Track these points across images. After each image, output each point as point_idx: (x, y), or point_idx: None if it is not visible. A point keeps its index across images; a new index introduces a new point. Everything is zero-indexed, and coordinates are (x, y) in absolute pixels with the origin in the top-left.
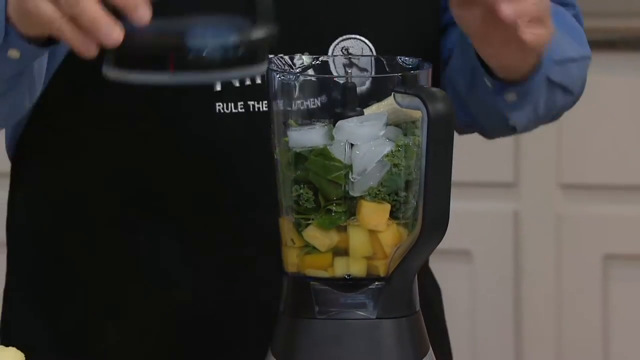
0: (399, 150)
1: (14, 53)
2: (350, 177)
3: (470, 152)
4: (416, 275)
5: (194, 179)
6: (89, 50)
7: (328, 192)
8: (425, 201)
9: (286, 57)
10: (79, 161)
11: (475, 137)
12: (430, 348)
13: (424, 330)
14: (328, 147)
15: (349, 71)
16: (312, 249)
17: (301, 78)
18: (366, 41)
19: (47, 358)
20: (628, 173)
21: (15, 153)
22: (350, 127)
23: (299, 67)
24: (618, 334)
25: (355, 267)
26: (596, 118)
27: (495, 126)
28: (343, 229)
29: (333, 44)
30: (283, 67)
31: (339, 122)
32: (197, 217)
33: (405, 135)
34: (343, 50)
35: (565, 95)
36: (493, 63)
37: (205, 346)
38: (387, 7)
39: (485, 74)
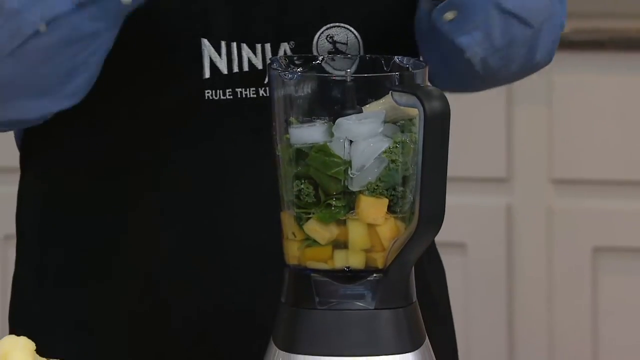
0: (396, 146)
1: None
2: (349, 172)
3: (465, 148)
4: (413, 268)
5: (184, 162)
6: None
7: (328, 187)
8: (422, 196)
9: (288, 57)
10: (78, 145)
11: (470, 135)
12: (427, 338)
13: (421, 321)
14: (328, 143)
15: (348, 71)
16: (312, 242)
17: (302, 77)
18: (351, 29)
19: (50, 343)
20: (617, 168)
21: (23, 141)
22: (349, 125)
23: (300, 66)
24: (607, 323)
25: (354, 260)
26: (586, 115)
27: (457, 63)
28: (342, 223)
29: (318, 33)
30: (285, 67)
31: (339, 120)
32: (187, 197)
33: (402, 132)
34: (328, 39)
35: (523, 28)
36: None
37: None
38: None
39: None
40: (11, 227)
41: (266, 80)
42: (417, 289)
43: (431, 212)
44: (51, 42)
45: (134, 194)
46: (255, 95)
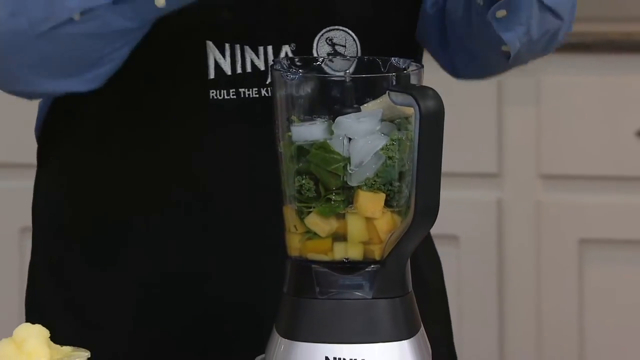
0: (393, 144)
1: (160, 1)
2: (348, 168)
3: (458, 145)
4: (409, 259)
5: (188, 158)
6: None
7: (328, 183)
8: (417, 191)
9: (289, 59)
10: (91, 139)
11: (463, 133)
12: (422, 326)
13: (416, 309)
14: (328, 141)
15: (347, 71)
16: (313, 235)
17: (303, 77)
18: (349, 31)
19: (63, 331)
20: (602, 164)
21: (41, 134)
22: (348, 123)
23: (301, 67)
24: (592, 311)
25: (352, 252)
26: (572, 114)
27: (491, 53)
28: (342, 216)
29: (318, 35)
30: (287, 68)
31: (338, 118)
32: (191, 193)
33: (398, 130)
34: (327, 41)
35: (555, 20)
36: None
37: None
38: None
39: None
40: (27, 220)
41: (268, 81)
42: (412, 279)
43: (426, 206)
44: (82, 32)
45: (142, 190)
46: (257, 95)
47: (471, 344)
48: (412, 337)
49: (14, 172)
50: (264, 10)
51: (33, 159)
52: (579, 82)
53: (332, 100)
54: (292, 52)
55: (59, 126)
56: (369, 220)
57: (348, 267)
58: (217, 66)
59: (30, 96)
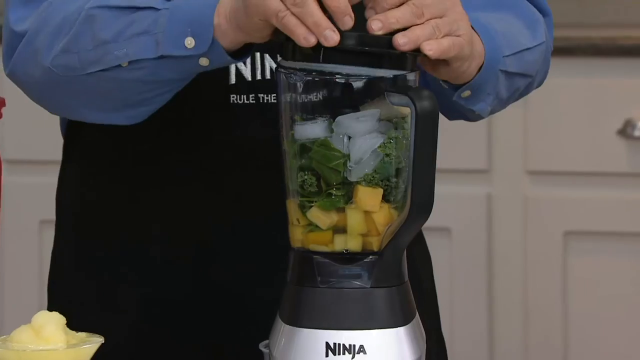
0: (390, 142)
1: (204, 61)
2: (348, 165)
3: (451, 143)
4: (405, 250)
5: (208, 156)
6: (308, 42)
7: (329, 178)
8: (413, 186)
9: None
10: (115, 137)
11: (456, 132)
12: (417, 313)
13: (412, 298)
14: (329, 139)
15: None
16: (315, 227)
17: (305, 79)
18: None
19: (84, 311)
20: (585, 161)
21: (67, 131)
22: (348, 122)
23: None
24: (576, 299)
25: (352, 243)
26: (558, 114)
27: (467, 114)
28: (342, 210)
29: None
30: (290, 70)
31: (338, 118)
32: (210, 189)
33: (395, 129)
34: None
35: (525, 79)
36: (437, 76)
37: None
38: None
39: (438, 80)
40: (46, 213)
41: None
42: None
43: (422, 201)
44: (128, 77)
45: (162, 186)
46: (275, 101)
47: (462, 329)
48: (408, 324)
49: (34, 168)
50: None
51: (52, 156)
52: (564, 84)
53: (332, 101)
54: None
55: (85, 125)
56: (367, 213)
57: (347, 257)
58: (238, 72)
59: (65, 117)
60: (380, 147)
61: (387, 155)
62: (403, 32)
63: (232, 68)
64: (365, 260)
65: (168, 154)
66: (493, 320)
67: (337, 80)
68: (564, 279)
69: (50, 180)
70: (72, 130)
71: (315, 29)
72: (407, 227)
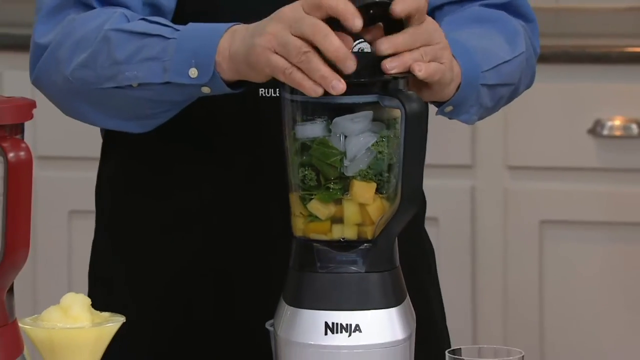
0: (382, 140)
1: (206, 89)
2: (344, 161)
3: (438, 141)
4: (396, 238)
5: (239, 146)
6: (317, 94)
7: (327, 173)
8: (403, 180)
9: None
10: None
11: (443, 130)
12: (407, 295)
13: (403, 281)
14: (327, 138)
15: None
16: (314, 218)
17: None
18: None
19: (120, 290)
20: (559, 157)
21: (105, 132)
22: (344, 123)
23: None
24: (550, 282)
25: (348, 232)
26: (535, 115)
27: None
28: (339, 202)
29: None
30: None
31: (335, 119)
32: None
33: (387, 128)
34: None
35: (507, 87)
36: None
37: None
38: None
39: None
40: (75, 204)
41: None
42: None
43: (411, 193)
44: (138, 96)
45: (192, 179)
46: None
47: (448, 308)
48: (399, 305)
49: (63, 164)
50: None
51: (80, 153)
52: (540, 88)
53: (330, 103)
54: None
55: None
56: (362, 205)
57: (344, 245)
58: None
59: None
60: (373, 145)
61: (380, 152)
62: (392, 57)
63: None
64: (360, 247)
65: (198, 145)
66: (476, 301)
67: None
68: (540, 263)
69: (78, 174)
70: (110, 132)
71: (322, 81)
72: (398, 217)
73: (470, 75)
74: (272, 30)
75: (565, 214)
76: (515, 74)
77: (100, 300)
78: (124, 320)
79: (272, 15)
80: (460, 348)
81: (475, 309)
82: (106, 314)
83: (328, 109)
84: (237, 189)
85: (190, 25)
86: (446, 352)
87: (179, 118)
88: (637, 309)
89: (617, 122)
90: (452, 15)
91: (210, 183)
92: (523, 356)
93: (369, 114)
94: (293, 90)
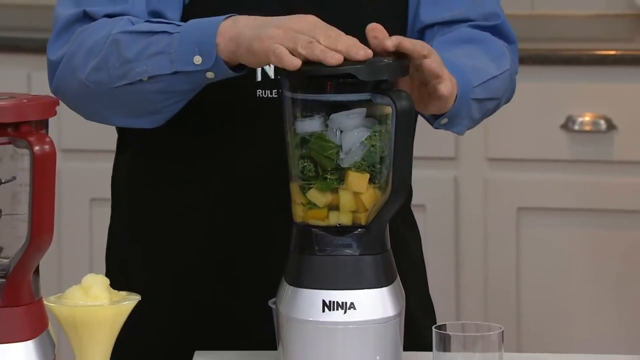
0: (375, 135)
1: (210, 74)
2: (340, 154)
3: (425, 136)
4: (388, 224)
5: (238, 145)
6: (338, 61)
7: (324, 165)
8: (394, 171)
9: None
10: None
11: (429, 126)
12: (398, 276)
13: (393, 263)
14: (324, 132)
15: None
16: (313, 205)
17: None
18: None
19: (136, 273)
20: (534, 150)
21: (120, 128)
22: (340, 118)
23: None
24: (527, 264)
25: (344, 218)
26: (512, 111)
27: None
28: (335, 191)
29: None
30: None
31: (332, 115)
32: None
33: (379, 124)
34: None
35: (493, 101)
36: (428, 112)
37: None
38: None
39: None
40: (95, 193)
41: None
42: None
43: (401, 183)
44: (148, 89)
45: (199, 172)
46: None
47: (434, 287)
48: (390, 284)
49: (85, 156)
50: None
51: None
52: (517, 87)
53: (327, 100)
54: None
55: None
56: (356, 194)
57: (340, 230)
58: (264, 71)
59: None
60: (366, 139)
61: (373, 146)
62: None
63: (259, 69)
64: (354, 232)
65: (202, 143)
66: (459, 281)
67: (331, 82)
68: (517, 246)
69: (98, 165)
70: (124, 128)
71: (322, 55)
72: (389, 205)
73: (463, 90)
74: (283, 25)
75: (541, 201)
76: (500, 89)
77: (117, 281)
78: (140, 299)
79: (285, 17)
80: (445, 324)
81: (458, 289)
82: (123, 293)
83: (325, 106)
84: (240, 182)
85: (191, 20)
86: (433, 327)
87: (185, 116)
88: (604, 286)
89: (587, 118)
90: (442, 36)
91: (218, 176)
92: (503, 331)
93: (362, 110)
94: (294, 89)
